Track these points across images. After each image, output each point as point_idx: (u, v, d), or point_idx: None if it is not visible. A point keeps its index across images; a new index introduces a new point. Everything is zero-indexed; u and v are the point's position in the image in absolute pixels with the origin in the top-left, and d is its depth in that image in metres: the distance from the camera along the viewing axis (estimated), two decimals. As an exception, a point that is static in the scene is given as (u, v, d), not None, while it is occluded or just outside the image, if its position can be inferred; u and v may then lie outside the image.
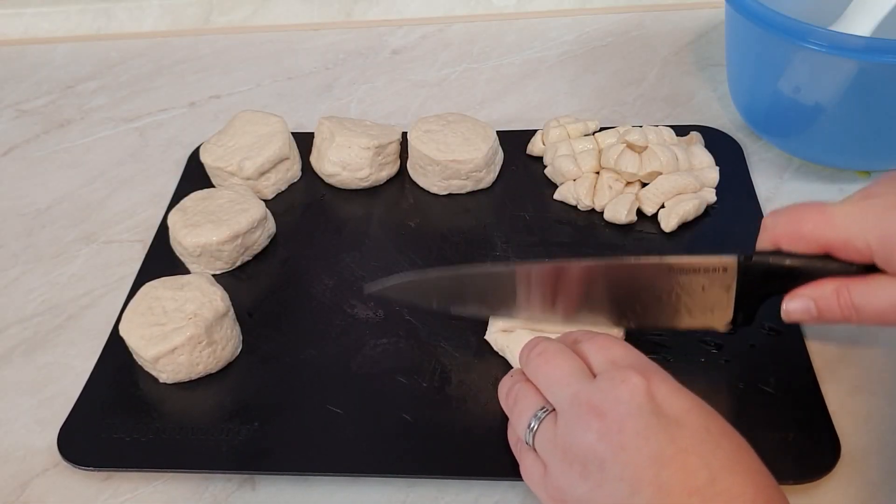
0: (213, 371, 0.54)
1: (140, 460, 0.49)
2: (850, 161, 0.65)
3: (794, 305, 0.43)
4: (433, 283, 0.49)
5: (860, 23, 0.60)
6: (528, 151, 0.69)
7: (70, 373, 0.56)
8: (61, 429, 0.51)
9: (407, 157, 0.68)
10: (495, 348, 0.53)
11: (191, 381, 0.53)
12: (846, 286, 0.41)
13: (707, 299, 0.46)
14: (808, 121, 0.62)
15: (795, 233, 0.42)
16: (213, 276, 0.59)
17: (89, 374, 0.54)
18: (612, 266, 0.46)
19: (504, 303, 0.48)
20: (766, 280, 0.44)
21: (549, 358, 0.41)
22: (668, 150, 0.62)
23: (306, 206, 0.67)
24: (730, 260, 0.44)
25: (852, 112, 0.59)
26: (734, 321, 0.46)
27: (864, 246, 0.40)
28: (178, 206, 0.62)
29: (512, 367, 0.52)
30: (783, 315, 0.44)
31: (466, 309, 0.50)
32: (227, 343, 0.54)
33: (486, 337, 0.53)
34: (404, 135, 0.68)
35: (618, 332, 0.52)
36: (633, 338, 0.53)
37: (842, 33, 0.56)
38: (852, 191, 0.65)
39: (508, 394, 0.44)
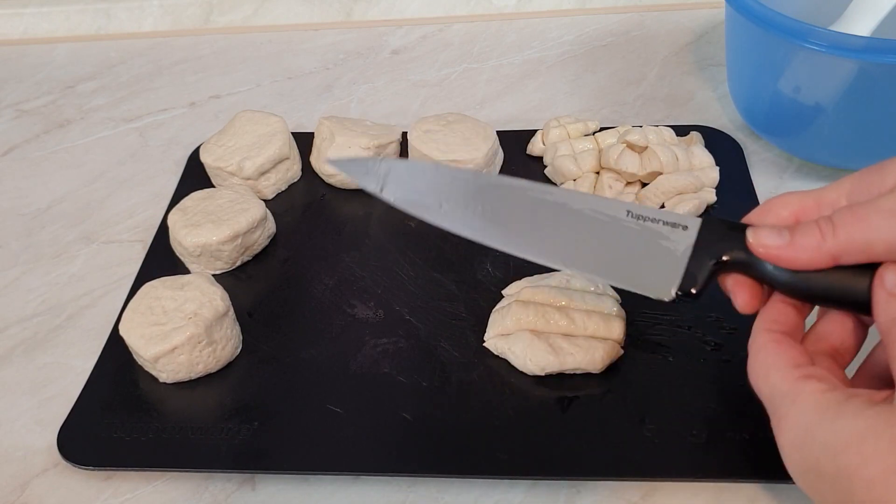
0: (213, 371, 0.54)
1: (140, 460, 0.49)
2: (851, 161, 0.65)
3: (763, 230, 0.39)
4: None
5: (860, 23, 0.60)
6: (528, 151, 0.69)
7: (70, 373, 0.56)
8: (61, 429, 0.51)
9: (407, 158, 0.67)
10: (495, 352, 0.53)
11: (191, 381, 0.53)
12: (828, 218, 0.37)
13: (658, 257, 0.41)
14: (808, 120, 0.62)
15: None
16: (213, 276, 0.60)
17: (89, 374, 0.54)
18: (572, 195, 0.44)
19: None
20: (725, 239, 0.40)
21: None
22: (669, 150, 0.62)
23: (306, 206, 0.67)
24: (695, 221, 0.41)
25: (852, 112, 0.59)
26: (681, 289, 0.41)
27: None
28: (178, 206, 0.62)
29: (515, 369, 0.52)
30: (750, 241, 0.39)
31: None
32: (227, 343, 0.54)
33: (485, 344, 0.53)
34: (404, 135, 0.68)
35: (619, 329, 0.52)
36: (633, 338, 0.53)
37: (841, 33, 0.56)
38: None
39: None
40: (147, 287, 0.55)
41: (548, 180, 0.66)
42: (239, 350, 0.55)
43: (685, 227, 0.41)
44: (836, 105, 0.59)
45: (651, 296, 0.41)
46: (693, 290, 0.40)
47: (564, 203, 0.44)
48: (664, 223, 0.42)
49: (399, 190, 0.46)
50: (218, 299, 0.53)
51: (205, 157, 0.67)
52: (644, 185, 0.63)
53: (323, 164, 0.67)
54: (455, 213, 0.45)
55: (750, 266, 0.40)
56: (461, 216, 0.45)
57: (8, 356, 0.58)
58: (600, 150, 0.65)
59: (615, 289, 0.55)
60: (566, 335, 0.51)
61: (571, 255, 0.43)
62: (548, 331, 0.52)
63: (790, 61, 0.59)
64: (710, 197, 0.62)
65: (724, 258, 0.40)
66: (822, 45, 0.55)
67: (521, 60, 0.84)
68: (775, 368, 0.37)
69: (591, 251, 0.43)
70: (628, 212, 0.43)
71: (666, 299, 0.41)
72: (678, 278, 0.41)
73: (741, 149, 0.68)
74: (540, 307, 0.52)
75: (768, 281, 0.40)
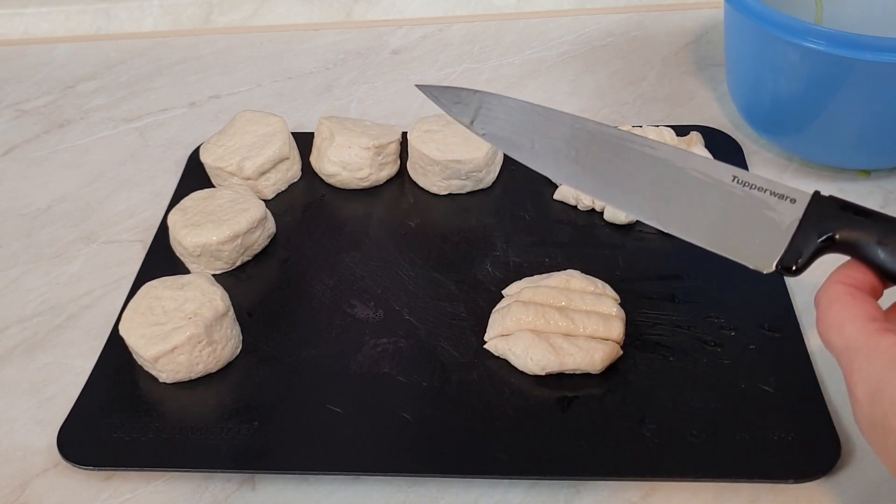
0: (213, 371, 0.54)
1: (140, 460, 0.49)
2: (851, 160, 0.65)
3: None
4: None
5: None
6: (528, 151, 0.69)
7: (70, 373, 0.56)
8: (61, 429, 0.51)
9: (407, 157, 0.68)
10: (496, 353, 0.53)
11: (191, 381, 0.53)
12: None
13: (761, 226, 0.40)
14: (807, 119, 0.62)
15: None
16: (213, 276, 0.59)
17: (89, 374, 0.54)
18: (676, 152, 0.42)
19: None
20: (836, 218, 0.39)
21: None
22: (668, 149, 0.62)
23: (306, 206, 0.67)
24: (805, 194, 0.40)
25: (852, 110, 0.59)
26: (783, 263, 0.39)
27: None
28: (178, 206, 0.62)
29: (514, 369, 0.52)
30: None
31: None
32: (226, 343, 0.54)
33: (486, 346, 0.53)
34: (404, 135, 0.68)
35: (618, 329, 0.52)
36: (632, 338, 0.53)
37: (840, 31, 0.55)
38: (852, 191, 0.65)
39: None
40: (147, 287, 0.55)
41: (548, 180, 0.66)
42: (239, 350, 0.55)
43: (793, 200, 0.40)
44: (835, 104, 0.59)
45: (749, 265, 0.40)
46: (794, 266, 0.39)
47: (666, 159, 0.42)
48: (771, 193, 0.41)
49: (490, 125, 0.45)
50: (218, 299, 0.53)
51: (205, 157, 0.67)
52: (644, 185, 0.63)
53: (323, 164, 0.67)
54: (547, 155, 0.44)
55: (859, 247, 0.39)
56: (553, 159, 0.44)
57: (8, 356, 0.58)
58: (600, 150, 0.65)
59: (615, 286, 0.55)
60: (566, 335, 0.51)
61: (665, 213, 0.42)
62: (548, 331, 0.52)
63: (789, 60, 0.59)
64: (710, 197, 0.62)
65: (836, 236, 0.39)
66: (821, 43, 0.55)
67: (521, 60, 0.84)
68: (851, 320, 0.37)
69: (689, 212, 0.42)
70: (734, 177, 0.41)
71: (765, 271, 0.40)
72: (780, 251, 0.39)
73: (741, 149, 0.68)
74: (540, 307, 0.52)
75: (876, 264, 0.38)
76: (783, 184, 0.41)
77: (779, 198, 0.40)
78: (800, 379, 0.50)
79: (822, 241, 0.39)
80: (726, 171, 0.42)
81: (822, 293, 0.39)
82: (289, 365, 0.54)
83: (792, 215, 0.40)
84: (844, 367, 0.37)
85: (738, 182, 0.41)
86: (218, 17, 0.92)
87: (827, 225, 0.39)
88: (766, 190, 0.41)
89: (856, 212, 0.39)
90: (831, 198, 0.40)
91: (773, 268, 0.40)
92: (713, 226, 0.41)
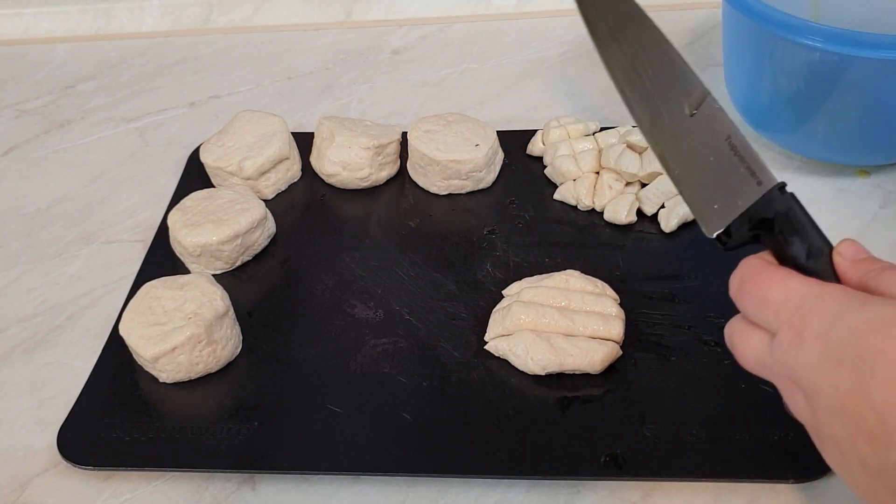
0: (213, 371, 0.54)
1: (140, 460, 0.49)
2: (849, 157, 0.65)
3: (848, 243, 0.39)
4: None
5: None
6: (528, 151, 0.69)
7: (70, 373, 0.56)
8: (61, 429, 0.51)
9: (407, 157, 0.68)
10: (496, 354, 0.53)
11: (191, 381, 0.53)
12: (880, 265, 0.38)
13: (723, 194, 0.42)
14: (806, 117, 0.62)
15: None
16: (213, 275, 0.59)
17: (89, 374, 0.54)
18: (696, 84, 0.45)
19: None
20: (772, 222, 0.41)
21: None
22: (668, 149, 0.62)
23: (306, 206, 0.67)
24: (771, 180, 0.41)
25: (850, 108, 0.59)
26: (720, 237, 0.42)
27: None
28: (178, 206, 0.62)
29: (514, 369, 0.52)
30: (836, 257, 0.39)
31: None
32: (226, 343, 0.54)
33: (486, 346, 0.53)
34: (404, 135, 0.68)
35: (618, 329, 0.52)
36: (632, 338, 0.53)
37: (839, 28, 0.55)
38: (852, 189, 0.65)
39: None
40: (147, 287, 0.55)
41: (548, 180, 0.66)
42: (239, 350, 0.55)
43: (759, 183, 0.41)
44: (834, 101, 0.59)
45: (699, 223, 0.43)
46: (726, 244, 0.42)
47: (690, 89, 0.45)
48: (747, 168, 0.42)
49: None
50: (218, 299, 0.53)
51: (205, 157, 0.67)
52: (644, 185, 0.63)
53: (323, 164, 0.67)
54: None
55: (781, 256, 0.40)
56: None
57: (8, 356, 0.58)
58: (600, 151, 0.65)
59: (615, 286, 0.55)
60: (566, 335, 0.51)
61: (659, 129, 0.44)
62: (548, 331, 0.52)
63: (788, 57, 0.59)
64: (710, 197, 0.62)
65: (762, 239, 0.41)
66: (819, 41, 0.55)
67: (521, 60, 0.84)
68: (791, 276, 0.38)
69: (676, 143, 0.44)
70: (728, 136, 0.43)
71: (707, 235, 0.42)
72: (724, 225, 0.42)
73: (741, 149, 0.68)
74: (540, 308, 0.52)
75: (794, 265, 0.40)
76: (762, 162, 0.42)
77: (750, 174, 0.42)
78: (800, 379, 0.50)
79: (752, 235, 0.41)
80: (725, 128, 0.43)
81: (747, 264, 0.40)
82: (289, 365, 0.54)
83: (750, 197, 0.41)
84: (791, 317, 0.37)
85: (728, 143, 0.43)
86: (218, 17, 0.92)
87: (765, 221, 0.41)
88: (745, 161, 0.42)
89: (793, 225, 0.40)
90: (787, 196, 0.41)
91: (713, 237, 0.42)
92: (691, 171, 0.43)
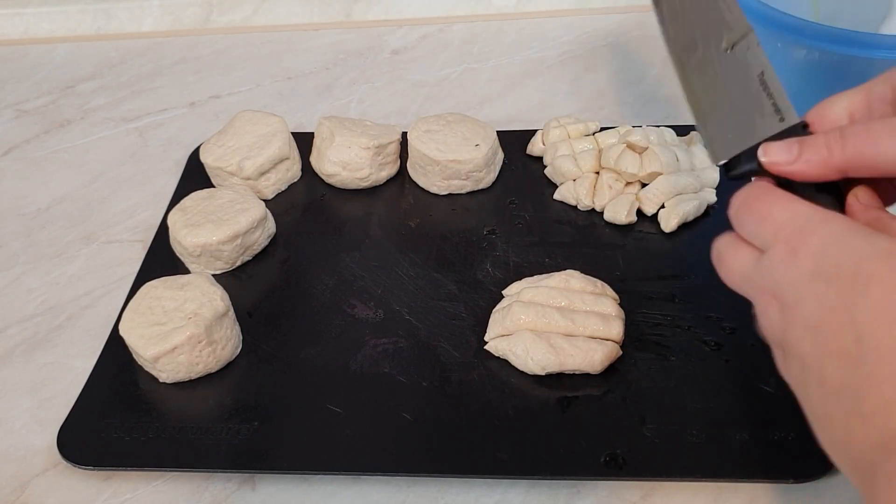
0: (213, 371, 0.54)
1: (140, 460, 0.49)
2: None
3: (774, 146, 0.39)
4: None
5: None
6: (528, 151, 0.69)
7: (70, 373, 0.56)
8: (61, 429, 0.51)
9: (407, 157, 0.68)
10: (496, 354, 0.53)
11: (191, 381, 0.53)
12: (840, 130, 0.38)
13: (742, 125, 0.42)
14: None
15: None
16: (213, 275, 0.59)
17: (89, 374, 0.54)
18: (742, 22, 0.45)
19: None
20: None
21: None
22: (669, 150, 0.62)
23: (306, 206, 0.67)
24: (794, 118, 0.41)
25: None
26: (727, 165, 0.42)
27: None
28: (178, 206, 0.62)
29: (514, 369, 0.52)
30: (762, 160, 0.39)
31: None
32: (226, 343, 0.54)
33: (486, 346, 0.53)
34: (404, 135, 0.68)
35: (618, 329, 0.52)
36: (632, 338, 0.53)
37: (838, 28, 0.55)
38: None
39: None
40: (147, 287, 0.55)
41: (548, 180, 0.66)
42: (239, 350, 0.55)
43: (782, 119, 0.41)
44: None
45: (707, 151, 0.43)
46: (730, 173, 0.42)
47: (730, 20, 0.45)
48: (773, 104, 0.42)
49: None
50: (218, 299, 0.53)
51: (205, 157, 0.67)
52: (644, 185, 0.63)
53: (323, 164, 0.67)
54: None
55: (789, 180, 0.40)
56: None
57: (8, 356, 0.58)
58: (600, 151, 0.65)
59: (615, 286, 0.55)
60: (566, 335, 0.51)
61: (691, 56, 0.45)
62: (548, 331, 0.52)
63: (787, 57, 0.59)
64: (711, 197, 0.62)
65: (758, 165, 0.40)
66: (818, 41, 0.55)
67: (521, 60, 0.84)
68: (797, 200, 0.37)
69: (702, 72, 0.44)
70: (762, 73, 0.43)
71: (713, 163, 0.43)
72: (734, 153, 0.41)
73: (741, 149, 0.68)
74: (540, 308, 0.52)
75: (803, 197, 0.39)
76: (789, 104, 0.41)
77: (775, 111, 0.41)
78: (800, 379, 0.50)
79: (759, 168, 0.40)
80: (760, 65, 0.43)
81: (753, 185, 0.39)
82: (289, 365, 0.54)
83: (769, 130, 0.41)
84: (793, 235, 0.36)
85: (759, 80, 0.43)
86: (218, 17, 0.92)
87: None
88: (772, 98, 0.42)
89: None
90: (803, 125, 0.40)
91: (718, 165, 0.42)
92: (715, 100, 0.44)
